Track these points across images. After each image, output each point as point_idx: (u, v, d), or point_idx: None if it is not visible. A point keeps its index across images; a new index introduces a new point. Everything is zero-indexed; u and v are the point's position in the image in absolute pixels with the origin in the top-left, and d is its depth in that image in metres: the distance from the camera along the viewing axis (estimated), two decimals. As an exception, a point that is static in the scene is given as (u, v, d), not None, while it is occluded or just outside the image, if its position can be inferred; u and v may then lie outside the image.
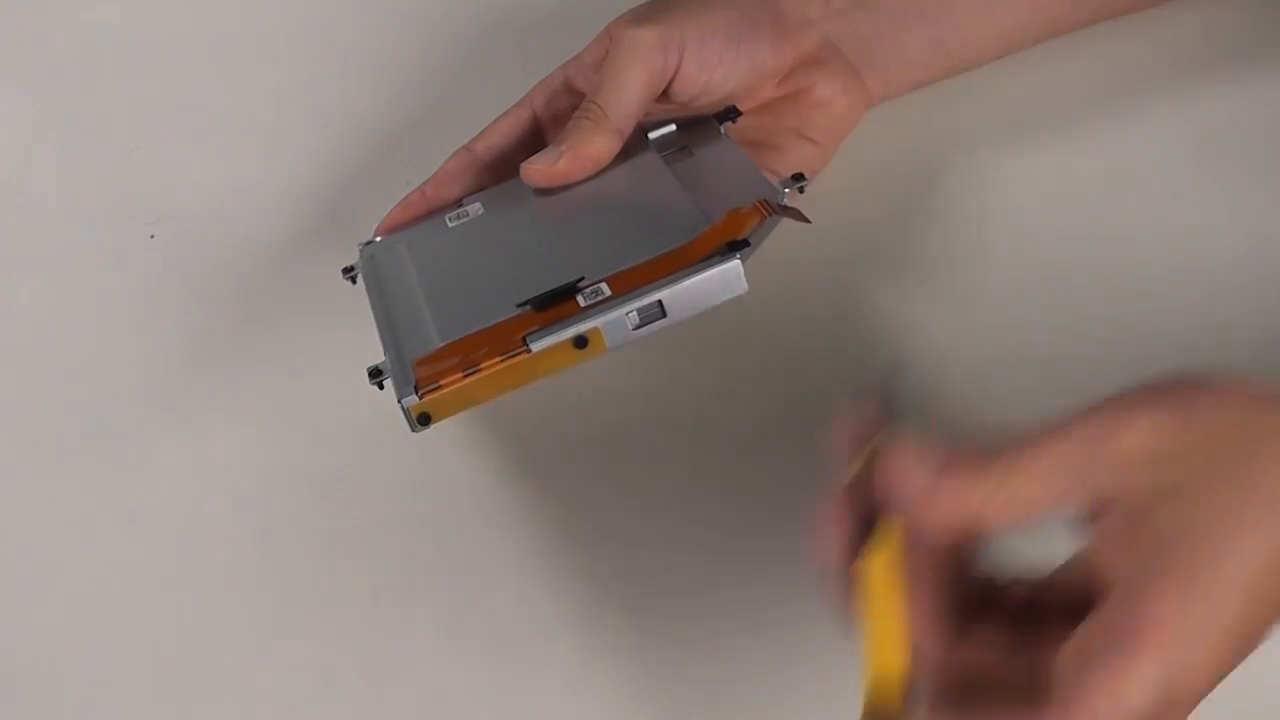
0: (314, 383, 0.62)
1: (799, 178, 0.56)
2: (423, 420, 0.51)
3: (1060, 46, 0.66)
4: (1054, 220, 0.63)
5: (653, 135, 0.60)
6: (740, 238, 0.51)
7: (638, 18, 0.58)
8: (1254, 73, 0.66)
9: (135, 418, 0.63)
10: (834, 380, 0.57)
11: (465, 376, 0.51)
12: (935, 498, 0.39)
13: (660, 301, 0.51)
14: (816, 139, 0.62)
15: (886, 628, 0.37)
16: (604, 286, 0.52)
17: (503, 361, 0.51)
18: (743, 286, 0.51)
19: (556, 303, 0.52)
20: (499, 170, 0.61)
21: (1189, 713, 0.38)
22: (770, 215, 0.52)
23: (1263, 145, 0.63)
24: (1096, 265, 0.61)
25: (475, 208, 0.60)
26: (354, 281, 0.60)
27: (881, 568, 0.38)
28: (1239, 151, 0.63)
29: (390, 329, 0.56)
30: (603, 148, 0.57)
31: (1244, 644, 0.38)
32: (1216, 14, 0.67)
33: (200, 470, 0.61)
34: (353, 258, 0.61)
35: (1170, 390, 0.40)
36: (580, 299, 0.51)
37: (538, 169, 0.57)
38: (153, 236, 0.68)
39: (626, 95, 0.57)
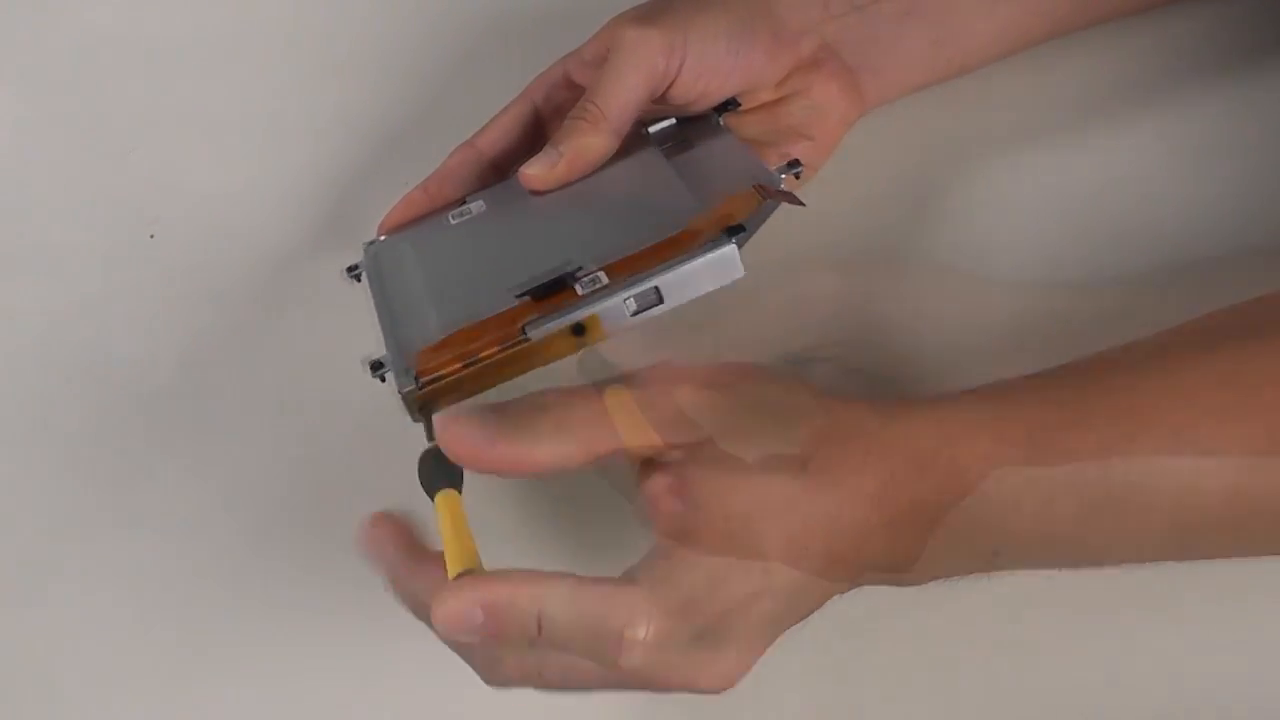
0: (315, 383, 0.63)
1: (794, 164, 0.56)
2: (424, 410, 0.51)
3: (1060, 48, 0.66)
4: (1054, 220, 0.63)
5: (652, 130, 0.60)
6: (736, 223, 0.51)
7: (641, 17, 0.57)
8: (1255, 75, 0.66)
9: (135, 418, 0.63)
10: (833, 381, 0.57)
11: (465, 367, 0.51)
12: (492, 458, 0.46)
13: (657, 287, 0.51)
14: (813, 137, 0.62)
15: (456, 538, 0.46)
16: (601, 275, 0.52)
17: (502, 351, 0.51)
18: (739, 271, 0.51)
19: (555, 292, 0.52)
20: (501, 165, 0.61)
21: (742, 602, 0.45)
22: (766, 199, 0.53)
23: (1263, 146, 0.63)
24: (1096, 265, 0.61)
25: (477, 205, 0.60)
26: (358, 280, 0.60)
27: (445, 504, 0.48)
28: (1240, 153, 0.63)
29: (392, 323, 0.56)
30: (599, 148, 0.57)
31: (788, 559, 0.45)
32: (1217, 16, 0.67)
33: (200, 470, 0.61)
34: (354, 256, 0.61)
35: (709, 367, 0.48)
36: (578, 287, 0.51)
37: (535, 174, 0.57)
38: (152, 237, 0.68)
39: (625, 96, 0.57)
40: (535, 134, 0.61)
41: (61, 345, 0.65)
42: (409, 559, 0.48)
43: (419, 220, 0.61)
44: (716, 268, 0.51)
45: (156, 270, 0.67)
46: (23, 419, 0.63)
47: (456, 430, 0.46)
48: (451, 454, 0.47)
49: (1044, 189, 0.63)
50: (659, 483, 0.47)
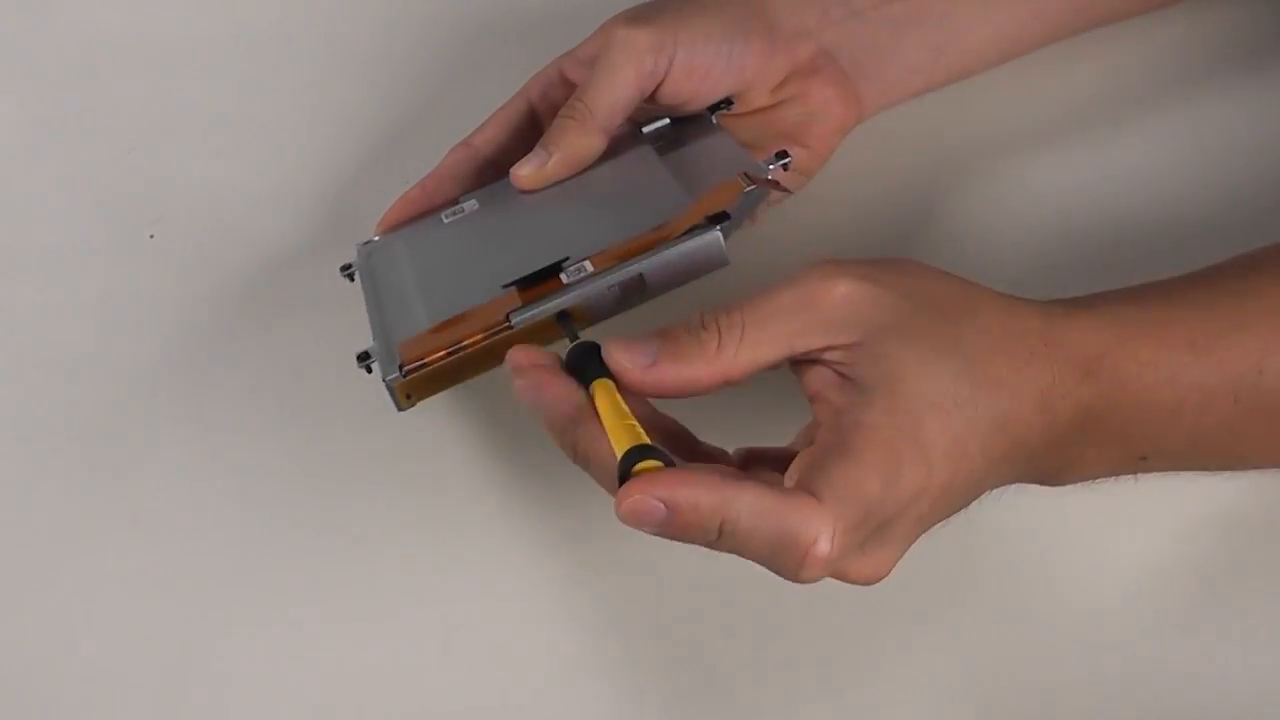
0: (313, 382, 0.62)
1: (782, 155, 0.56)
2: (408, 398, 0.51)
3: (1060, 51, 0.65)
4: (1055, 224, 0.63)
5: (646, 129, 0.60)
6: (720, 210, 0.51)
7: (633, 18, 0.58)
8: (1254, 76, 0.66)
9: (135, 418, 0.63)
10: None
11: (449, 354, 0.51)
12: (656, 380, 0.46)
13: (641, 274, 0.51)
14: (809, 144, 0.62)
15: (618, 419, 0.45)
16: (587, 264, 0.52)
17: (487, 338, 0.51)
18: (725, 259, 0.51)
19: (541, 282, 0.52)
20: (497, 163, 0.61)
21: (905, 503, 0.44)
22: (751, 187, 0.53)
23: (1266, 148, 0.63)
24: (1097, 269, 0.61)
25: (471, 204, 0.60)
26: (351, 279, 0.60)
27: (603, 390, 0.46)
28: (1242, 154, 0.63)
29: (381, 316, 0.56)
30: (588, 148, 0.58)
31: (948, 458, 0.44)
32: (1216, 17, 0.67)
33: (200, 470, 0.61)
34: (353, 255, 0.61)
35: (868, 261, 0.47)
36: (563, 276, 0.52)
37: (526, 175, 0.58)
38: (152, 236, 0.69)
39: (614, 95, 0.57)
40: (531, 132, 0.61)
41: (61, 345, 0.65)
42: (569, 407, 0.47)
43: (414, 220, 0.61)
44: (701, 254, 0.51)
45: (156, 270, 0.67)
46: (23, 419, 0.63)
47: (619, 356, 0.46)
48: (620, 380, 0.46)
49: (1046, 192, 0.63)
50: (824, 377, 0.46)
